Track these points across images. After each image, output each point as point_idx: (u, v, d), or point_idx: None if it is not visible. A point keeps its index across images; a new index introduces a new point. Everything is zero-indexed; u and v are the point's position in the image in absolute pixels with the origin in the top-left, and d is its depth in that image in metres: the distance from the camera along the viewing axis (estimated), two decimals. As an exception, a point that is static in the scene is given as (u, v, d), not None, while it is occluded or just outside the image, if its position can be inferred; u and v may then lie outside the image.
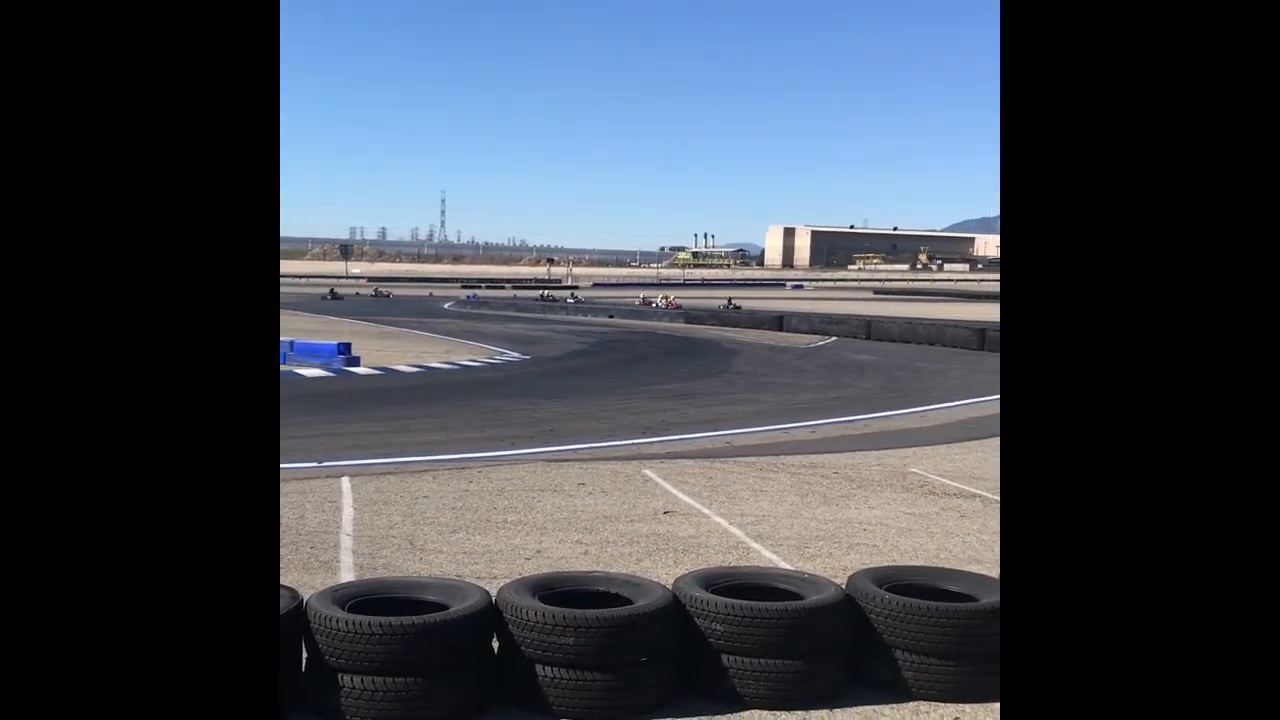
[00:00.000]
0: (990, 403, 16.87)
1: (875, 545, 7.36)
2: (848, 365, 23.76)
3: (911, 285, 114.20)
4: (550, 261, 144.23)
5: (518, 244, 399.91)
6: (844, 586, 4.74)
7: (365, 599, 4.45)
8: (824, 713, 4.38)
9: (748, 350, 27.99)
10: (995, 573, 5.28)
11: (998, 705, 4.45)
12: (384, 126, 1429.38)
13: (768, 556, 6.97)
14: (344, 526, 7.60)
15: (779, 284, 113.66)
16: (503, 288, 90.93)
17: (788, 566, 6.49)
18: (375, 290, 75.61)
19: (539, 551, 6.99)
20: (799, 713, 4.36)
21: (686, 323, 41.04)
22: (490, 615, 4.36)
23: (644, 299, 56.43)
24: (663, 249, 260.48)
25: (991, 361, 24.54)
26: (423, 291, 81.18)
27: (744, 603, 4.41)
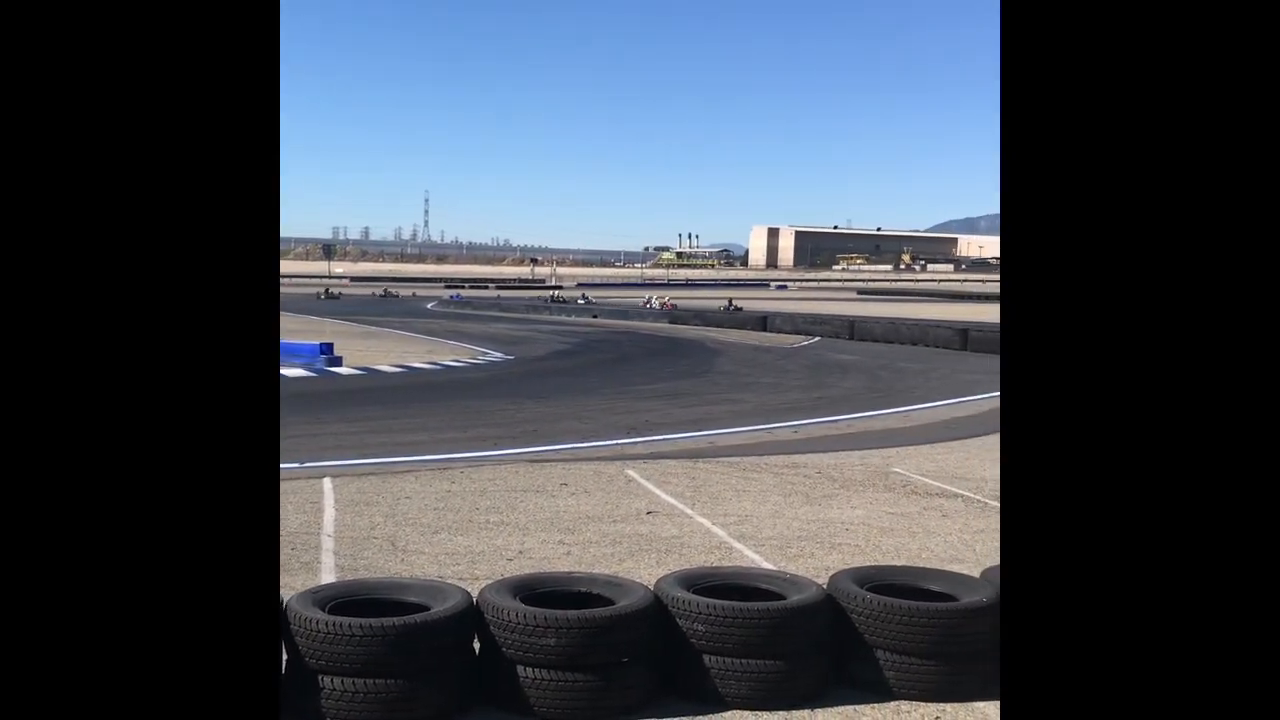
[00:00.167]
0: (973, 403, 16.95)
1: (857, 545, 7.37)
2: (831, 365, 23.81)
3: (895, 285, 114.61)
4: (534, 261, 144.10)
5: (501, 244, 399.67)
6: (825, 586, 4.74)
7: (346, 600, 4.43)
8: (805, 713, 4.39)
9: (732, 350, 28.02)
10: (976, 572, 5.31)
11: (978, 704, 4.47)
12: (367, 126, 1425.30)
13: (750, 557, 6.98)
14: (325, 527, 7.57)
15: (763, 284, 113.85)
16: (486, 287, 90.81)
17: (770, 567, 6.50)
18: (384, 290, 75.85)
19: (521, 552, 6.98)
20: (781, 713, 4.36)
21: (670, 323, 41.04)
22: (471, 616, 4.35)
23: (648, 299, 56.27)
24: (647, 249, 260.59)
25: (974, 361, 24.67)
26: (406, 291, 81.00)
27: (725, 603, 4.41)
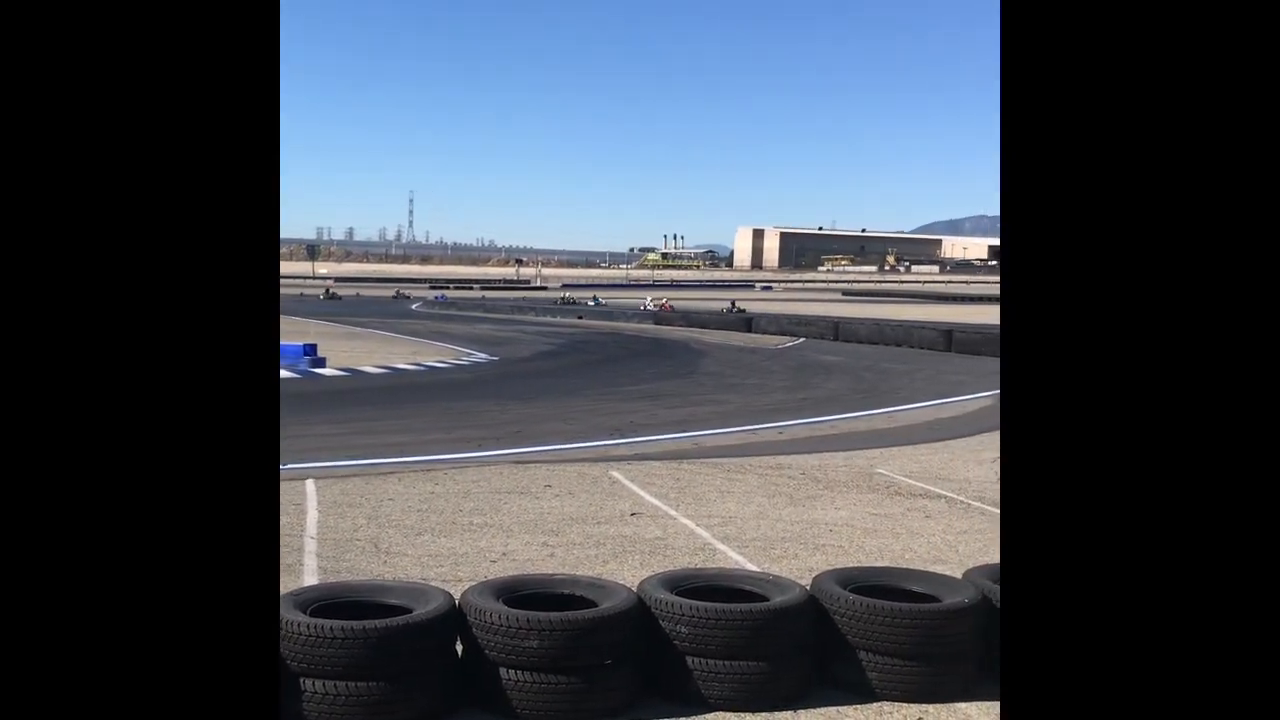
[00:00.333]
0: (956, 404, 17.02)
1: (841, 546, 7.39)
2: (815, 366, 23.86)
3: (879, 287, 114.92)
4: (519, 262, 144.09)
5: (486, 244, 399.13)
6: (808, 588, 4.75)
7: (328, 602, 4.41)
8: (788, 714, 4.39)
9: (716, 352, 28.05)
10: (959, 573, 5.32)
11: (960, 705, 4.48)
12: (351, 125, 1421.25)
13: (734, 558, 6.98)
14: (308, 529, 7.53)
15: (748, 285, 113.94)
16: (471, 288, 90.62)
17: (753, 568, 6.50)
18: (397, 292, 76.02)
19: (505, 554, 6.96)
20: (763, 714, 4.36)
21: (656, 323, 41.05)
22: (454, 619, 4.34)
23: (645, 302, 56.17)
24: (632, 250, 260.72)
25: (959, 362, 24.77)
26: (390, 292, 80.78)
27: (708, 605, 4.41)
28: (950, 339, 28.62)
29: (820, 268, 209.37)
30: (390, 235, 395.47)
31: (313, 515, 7.99)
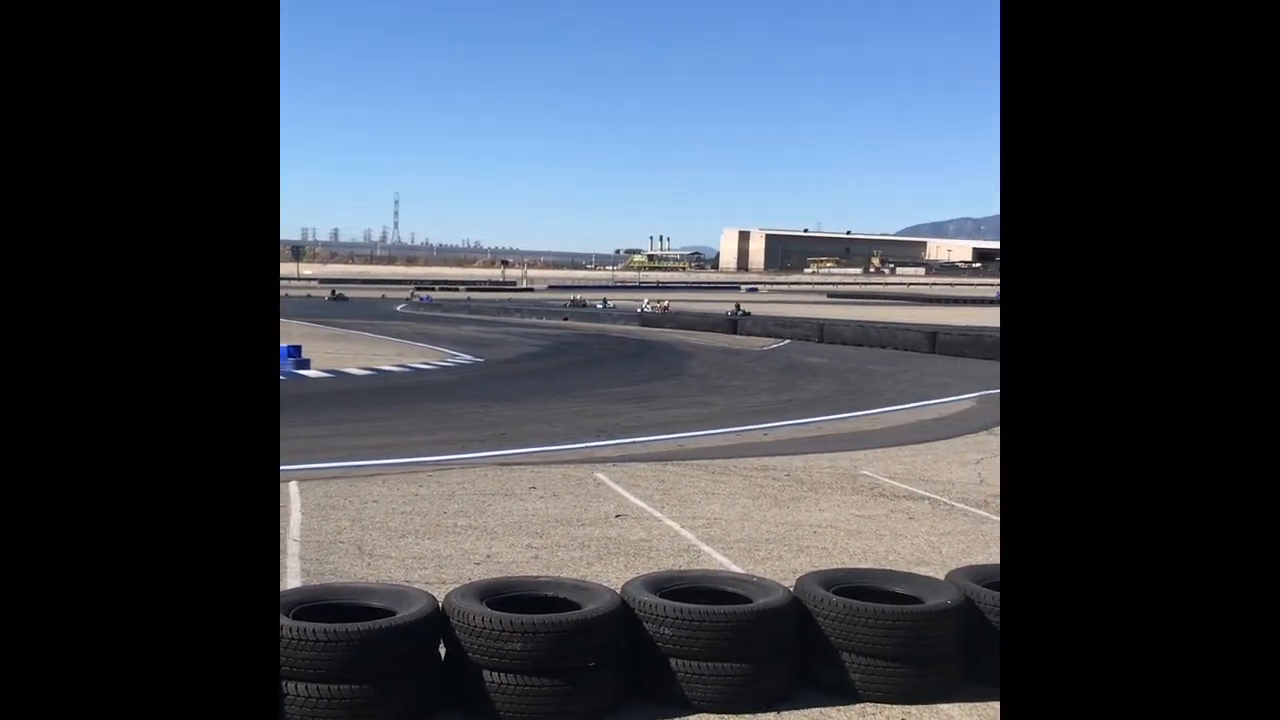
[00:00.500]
0: (940, 405, 17.07)
1: (825, 548, 7.40)
2: (801, 368, 23.90)
3: (864, 289, 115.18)
4: (505, 264, 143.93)
5: (472, 245, 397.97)
6: (792, 589, 4.76)
7: (311, 605, 4.39)
8: (771, 715, 4.40)
9: (702, 353, 28.06)
10: (942, 575, 5.34)
11: (942, 706, 4.50)
12: (336, 126, 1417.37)
13: (719, 560, 6.99)
14: (291, 532, 7.51)
15: (734, 287, 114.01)
16: (457, 289, 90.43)
17: (738, 570, 6.51)
18: (413, 293, 75.51)
19: (489, 556, 6.95)
20: (746, 715, 4.37)
21: (642, 325, 41.05)
22: (437, 621, 4.33)
23: (651, 302, 56.17)
24: (618, 251, 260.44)
25: (943, 364, 24.85)
26: (375, 293, 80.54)
27: (692, 606, 4.42)
28: (934, 341, 28.71)
29: (806, 270, 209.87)
30: (375, 236, 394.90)
31: (296, 517, 7.96)
